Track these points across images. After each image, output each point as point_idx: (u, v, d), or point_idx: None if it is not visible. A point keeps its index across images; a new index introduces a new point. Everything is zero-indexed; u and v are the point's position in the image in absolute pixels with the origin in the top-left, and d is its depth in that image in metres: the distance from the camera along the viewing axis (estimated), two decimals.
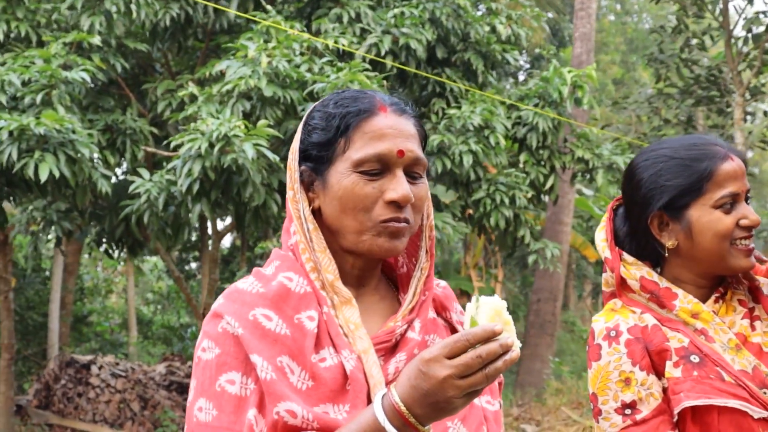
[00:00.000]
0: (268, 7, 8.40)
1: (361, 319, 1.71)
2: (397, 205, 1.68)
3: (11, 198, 7.62)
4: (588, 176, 10.49)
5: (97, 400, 11.69)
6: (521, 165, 9.97)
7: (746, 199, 2.13)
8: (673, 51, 13.89)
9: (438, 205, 9.41)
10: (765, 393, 1.99)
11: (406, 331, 1.72)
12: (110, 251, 10.38)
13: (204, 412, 1.61)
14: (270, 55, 7.52)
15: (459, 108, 9.34)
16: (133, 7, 8.00)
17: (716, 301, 2.16)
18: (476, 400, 1.73)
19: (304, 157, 1.75)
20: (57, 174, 6.65)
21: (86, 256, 19.16)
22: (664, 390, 2.05)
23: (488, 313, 1.47)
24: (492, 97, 9.48)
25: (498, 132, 9.09)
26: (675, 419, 2.01)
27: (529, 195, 9.76)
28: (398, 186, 1.67)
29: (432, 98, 9.88)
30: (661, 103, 13.80)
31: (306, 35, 8.26)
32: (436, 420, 1.49)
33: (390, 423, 1.47)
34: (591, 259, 18.10)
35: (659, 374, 2.05)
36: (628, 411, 2.02)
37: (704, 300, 2.16)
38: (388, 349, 1.70)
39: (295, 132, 7.97)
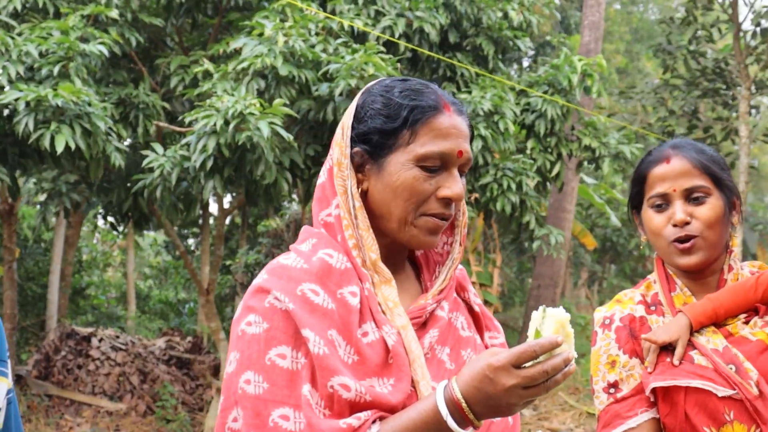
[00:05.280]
0: None
1: None
2: (447, 201, 1.76)
3: (23, 169, 7.62)
4: (594, 164, 10.54)
5: (96, 372, 11.71)
6: (528, 151, 9.99)
7: (692, 197, 2.24)
8: (680, 42, 13.91)
9: None
10: (731, 368, 2.11)
11: (435, 309, 1.80)
12: (116, 224, 10.41)
13: (253, 384, 1.63)
14: (287, 34, 7.53)
15: (469, 93, 9.36)
16: None
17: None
18: None
19: (360, 139, 1.78)
20: (73, 146, 6.66)
21: (84, 228, 19.13)
22: None
23: (553, 324, 1.58)
24: (503, 82, 9.49)
25: (507, 118, 9.11)
26: (652, 399, 2.18)
27: (536, 181, 9.79)
28: (454, 185, 1.75)
29: (443, 82, 9.88)
30: (668, 94, 13.84)
31: (322, 15, 8.26)
32: (490, 419, 1.61)
33: (450, 416, 1.56)
34: (589, 247, 18.17)
35: (642, 359, 2.23)
36: (612, 390, 2.22)
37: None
38: (419, 324, 1.78)
39: (309, 111, 8.02)
